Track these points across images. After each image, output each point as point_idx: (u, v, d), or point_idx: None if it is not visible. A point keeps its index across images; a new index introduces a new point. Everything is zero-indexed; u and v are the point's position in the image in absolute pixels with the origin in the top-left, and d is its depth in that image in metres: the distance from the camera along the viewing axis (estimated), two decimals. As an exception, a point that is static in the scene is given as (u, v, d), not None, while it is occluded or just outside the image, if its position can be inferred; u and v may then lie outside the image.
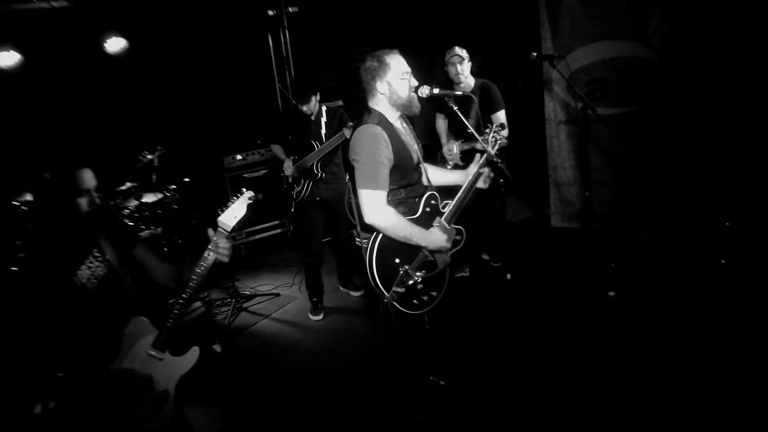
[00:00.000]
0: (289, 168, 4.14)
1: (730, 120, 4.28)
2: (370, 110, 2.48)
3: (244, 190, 2.29)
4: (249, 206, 2.30)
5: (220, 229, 2.20)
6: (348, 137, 3.71)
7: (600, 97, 4.93)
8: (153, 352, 2.21)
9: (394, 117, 2.50)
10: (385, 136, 2.37)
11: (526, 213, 5.93)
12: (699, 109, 4.41)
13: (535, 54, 3.86)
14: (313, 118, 4.08)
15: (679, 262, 4.18)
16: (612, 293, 3.84)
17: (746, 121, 4.20)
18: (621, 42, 4.76)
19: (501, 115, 4.12)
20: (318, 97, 4.05)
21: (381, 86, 2.45)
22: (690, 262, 4.13)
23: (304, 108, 4.01)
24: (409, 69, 2.48)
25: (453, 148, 4.23)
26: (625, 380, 2.97)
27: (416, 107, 2.50)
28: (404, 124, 2.59)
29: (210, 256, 2.16)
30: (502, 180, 2.71)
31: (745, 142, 4.22)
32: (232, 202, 2.24)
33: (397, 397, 2.87)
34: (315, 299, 4.37)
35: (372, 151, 2.34)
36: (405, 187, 2.48)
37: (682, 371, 2.99)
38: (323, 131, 4.09)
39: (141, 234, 4.14)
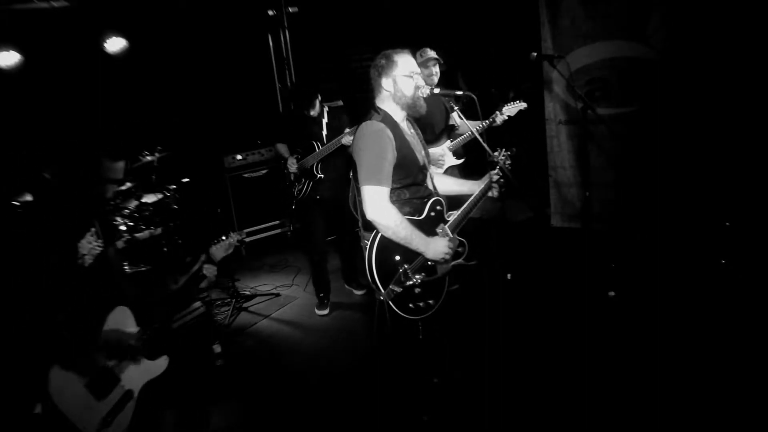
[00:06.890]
0: (293, 165, 4.17)
1: (729, 120, 4.27)
2: (376, 109, 2.48)
3: (232, 233, 2.64)
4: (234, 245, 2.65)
5: (210, 256, 2.54)
6: (344, 143, 3.79)
7: (600, 97, 4.92)
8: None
9: (399, 117, 2.49)
10: (389, 133, 2.36)
11: (526, 213, 5.93)
12: (699, 109, 4.41)
13: (535, 54, 3.85)
14: (315, 117, 4.13)
15: (680, 262, 4.18)
16: (612, 293, 3.84)
17: (746, 121, 4.20)
18: (621, 42, 4.76)
19: (456, 116, 4.16)
20: (320, 99, 4.12)
21: (386, 83, 2.44)
22: (690, 262, 4.13)
23: (311, 113, 4.10)
24: (417, 69, 2.47)
25: (439, 150, 4.06)
26: (625, 380, 2.97)
27: (421, 107, 2.49)
28: (410, 128, 2.58)
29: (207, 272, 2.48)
30: (502, 181, 2.71)
31: (745, 142, 4.22)
32: (223, 240, 2.61)
33: (397, 397, 2.86)
34: (322, 295, 4.39)
35: (375, 147, 2.34)
36: (409, 186, 2.46)
37: (682, 371, 2.99)
38: (324, 132, 4.11)
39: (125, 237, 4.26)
